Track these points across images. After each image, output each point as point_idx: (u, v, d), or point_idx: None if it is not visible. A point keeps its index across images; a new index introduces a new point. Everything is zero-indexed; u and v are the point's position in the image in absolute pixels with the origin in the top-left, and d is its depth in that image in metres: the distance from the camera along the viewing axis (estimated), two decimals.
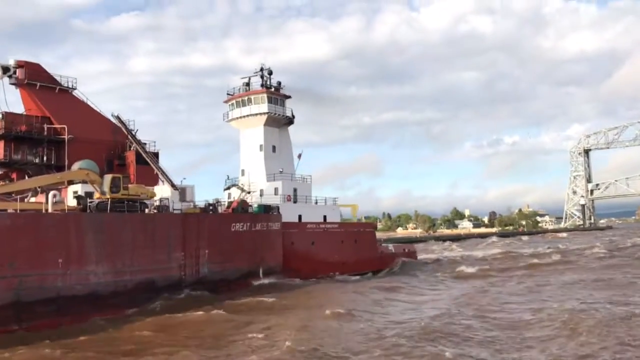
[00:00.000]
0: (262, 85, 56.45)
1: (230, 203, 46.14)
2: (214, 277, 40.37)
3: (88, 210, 34.64)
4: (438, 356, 22.79)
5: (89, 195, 36.86)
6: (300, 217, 53.27)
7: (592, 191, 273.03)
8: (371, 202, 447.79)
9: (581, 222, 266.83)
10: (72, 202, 36.72)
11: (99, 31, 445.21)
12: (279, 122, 56.95)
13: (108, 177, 35.61)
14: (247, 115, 55.56)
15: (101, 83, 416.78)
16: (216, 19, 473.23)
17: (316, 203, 57.86)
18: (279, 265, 47.02)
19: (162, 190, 40.63)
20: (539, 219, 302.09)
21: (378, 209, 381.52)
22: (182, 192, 41.08)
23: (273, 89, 56.51)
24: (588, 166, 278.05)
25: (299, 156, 58.88)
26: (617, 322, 28.04)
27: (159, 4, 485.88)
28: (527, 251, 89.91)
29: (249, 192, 49.88)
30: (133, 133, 42.41)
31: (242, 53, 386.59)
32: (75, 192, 39.45)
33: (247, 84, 56.96)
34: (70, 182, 39.42)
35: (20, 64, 40.43)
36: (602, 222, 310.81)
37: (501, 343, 25.47)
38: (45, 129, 40.20)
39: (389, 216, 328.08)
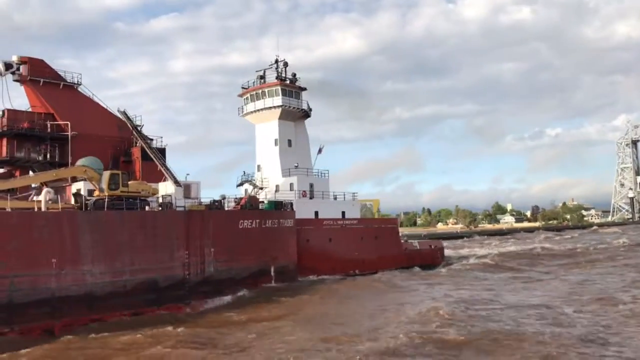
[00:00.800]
0: (276, 78, 54.74)
1: (240, 199, 44.57)
2: (220, 276, 38.90)
3: (86, 208, 33.60)
4: None
5: (91, 192, 35.96)
6: (316, 213, 51.44)
7: None
8: (410, 197, 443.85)
9: (630, 216, 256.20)
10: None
11: (140, 33, 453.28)
12: (294, 115, 55.15)
13: (106, 174, 34.53)
14: (262, 109, 54.00)
15: (142, 84, 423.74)
16: (252, 17, 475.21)
17: (335, 199, 55.90)
18: (292, 264, 45.30)
19: (166, 187, 39.35)
20: (584, 212, 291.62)
21: (418, 204, 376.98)
22: (186, 188, 39.70)
23: (288, 82, 54.74)
24: (637, 157, 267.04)
25: (320, 151, 57.03)
26: None
27: (197, 4, 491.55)
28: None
29: (261, 188, 48.34)
30: (138, 129, 41.30)
31: (278, 51, 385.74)
32: (78, 190, 38.62)
33: (262, 77, 55.37)
34: (74, 180, 38.66)
35: (23, 60, 39.80)
36: None
37: None
38: (49, 125, 39.41)
39: (429, 211, 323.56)
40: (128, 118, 41.90)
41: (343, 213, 54.04)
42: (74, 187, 38.96)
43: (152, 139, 43.18)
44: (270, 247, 43.01)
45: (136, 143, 42.01)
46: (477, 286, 43.58)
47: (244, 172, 55.25)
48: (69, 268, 31.40)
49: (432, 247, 63.78)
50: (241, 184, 52.80)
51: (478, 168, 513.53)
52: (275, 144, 54.09)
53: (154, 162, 40.18)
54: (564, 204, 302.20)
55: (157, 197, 37.68)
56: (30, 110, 41.24)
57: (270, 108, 53.46)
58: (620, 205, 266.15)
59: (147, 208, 36.14)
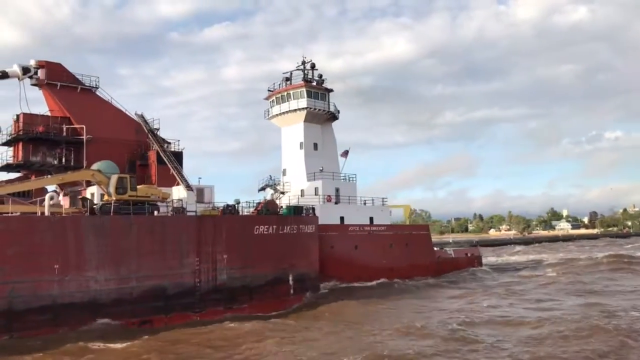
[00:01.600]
0: (302, 80, 53.21)
1: (258, 204, 43.14)
2: (233, 284, 37.50)
3: (93, 213, 32.91)
4: None
5: (104, 197, 35.32)
6: (342, 219, 49.49)
7: None
8: (462, 203, 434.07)
9: None
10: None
11: (194, 42, 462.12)
12: (320, 117, 53.40)
13: (114, 178, 33.78)
14: (287, 112, 52.54)
15: (196, 92, 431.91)
16: (301, 24, 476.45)
17: (364, 204, 53.83)
18: (313, 271, 43.41)
19: (179, 191, 38.35)
20: None
21: (469, 210, 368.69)
22: (199, 192, 38.57)
23: (315, 83, 53.12)
24: None
25: (346, 154, 55.02)
26: None
27: (248, 13, 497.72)
28: None
29: (282, 193, 46.76)
30: (154, 132, 40.58)
31: (327, 57, 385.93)
32: (92, 194, 38.18)
33: (288, 79, 53.97)
34: (89, 184, 38.24)
35: (41, 64, 39.77)
36: None
37: None
38: (64, 129, 39.13)
39: (481, 217, 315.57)
40: (145, 121, 41.33)
41: (371, 219, 51.87)
42: (88, 192, 38.59)
43: (169, 143, 42.44)
44: (289, 254, 41.29)
45: (153, 147, 41.28)
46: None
47: (270, 176, 53.92)
48: (73, 274, 30.67)
49: (469, 255, 60.64)
50: (263, 189, 51.44)
51: (532, 173, 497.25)
52: (301, 148, 52.50)
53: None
54: (625, 210, 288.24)
55: (169, 202, 36.65)
56: (49, 114, 41.11)
57: (295, 110, 51.97)
58: None
59: (155, 213, 35.13)
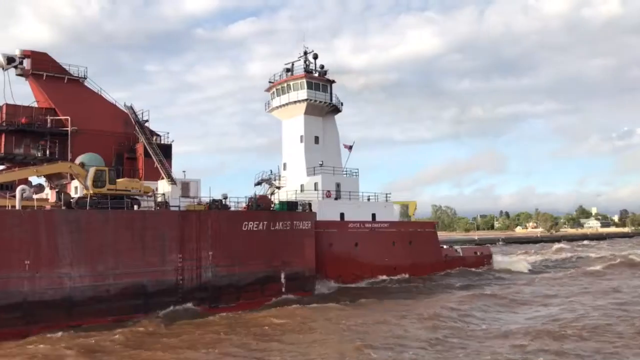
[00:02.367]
0: (303, 70, 51.26)
1: (249, 199, 41.39)
2: (219, 283, 35.94)
3: (70, 207, 31.59)
4: None
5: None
6: (342, 215, 47.48)
7: None
8: (489, 199, 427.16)
9: None
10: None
11: (219, 38, 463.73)
12: (322, 110, 51.36)
13: (91, 171, 32.48)
14: (287, 104, 50.64)
15: (222, 87, 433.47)
16: (326, 19, 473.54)
17: (368, 199, 51.74)
18: (309, 270, 41.52)
19: (163, 185, 36.87)
20: None
21: (496, 207, 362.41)
22: (184, 187, 36.95)
23: (317, 74, 51.11)
24: None
25: (350, 148, 52.88)
26: None
27: (272, 8, 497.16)
28: None
29: (278, 187, 44.89)
30: (142, 123, 39.19)
31: (352, 52, 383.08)
32: (75, 188, 36.98)
33: (289, 70, 52.07)
34: (72, 177, 36.99)
35: (26, 54, 38.71)
36: None
37: None
38: (49, 120, 37.96)
39: (507, 214, 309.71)
40: (134, 112, 40.01)
41: (373, 215, 49.74)
42: (72, 186, 37.39)
43: (158, 135, 41.03)
44: (281, 252, 39.52)
45: (141, 139, 39.87)
46: None
47: (271, 170, 52.20)
48: (45, 271, 29.44)
49: (478, 253, 58.04)
50: (259, 183, 49.69)
51: (561, 169, 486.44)
52: (301, 141, 50.55)
53: (158, 158, 37.86)
54: None
55: (150, 196, 35.16)
56: (36, 105, 40.02)
57: (295, 102, 50.03)
58: None
59: (136, 207, 33.69)
